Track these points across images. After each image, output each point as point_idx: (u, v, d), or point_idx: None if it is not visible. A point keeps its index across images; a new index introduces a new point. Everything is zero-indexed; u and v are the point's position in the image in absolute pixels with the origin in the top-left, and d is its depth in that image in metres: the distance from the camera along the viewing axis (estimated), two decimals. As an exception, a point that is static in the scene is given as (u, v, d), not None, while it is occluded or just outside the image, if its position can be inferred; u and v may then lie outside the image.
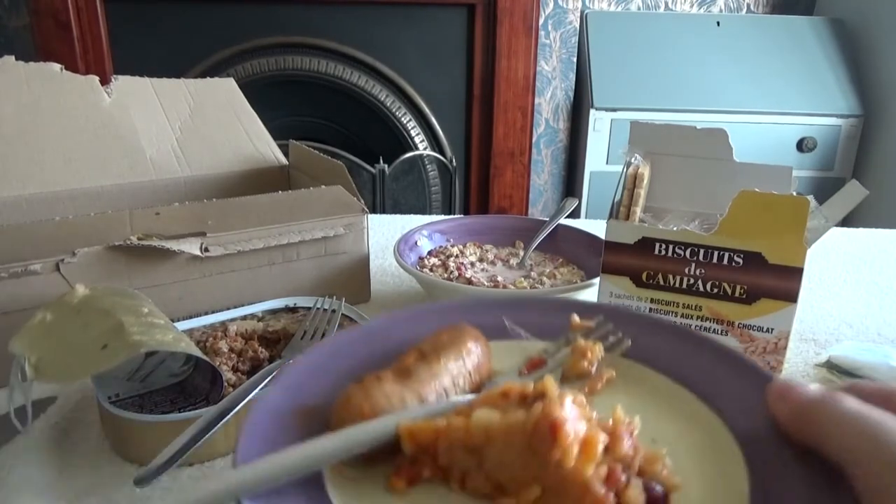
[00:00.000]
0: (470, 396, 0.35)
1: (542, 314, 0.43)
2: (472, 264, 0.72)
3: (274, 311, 0.59)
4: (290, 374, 0.37)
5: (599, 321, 0.42)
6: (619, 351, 0.40)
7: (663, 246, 0.52)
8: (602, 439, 0.29)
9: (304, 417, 0.34)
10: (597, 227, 0.72)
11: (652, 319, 0.43)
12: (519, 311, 0.44)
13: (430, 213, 2.06)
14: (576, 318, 0.41)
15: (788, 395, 0.30)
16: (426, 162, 2.13)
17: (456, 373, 0.36)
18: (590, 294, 0.59)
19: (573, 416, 0.29)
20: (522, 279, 0.68)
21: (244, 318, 0.58)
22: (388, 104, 2.08)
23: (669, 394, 0.38)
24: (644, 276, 0.53)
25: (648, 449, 0.32)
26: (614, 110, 1.99)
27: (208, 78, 0.84)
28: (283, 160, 0.82)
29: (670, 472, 0.31)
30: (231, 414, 0.42)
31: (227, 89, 0.84)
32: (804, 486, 0.29)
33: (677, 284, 0.52)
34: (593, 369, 0.38)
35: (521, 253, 0.75)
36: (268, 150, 0.81)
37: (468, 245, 0.76)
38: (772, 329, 0.51)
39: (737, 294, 0.51)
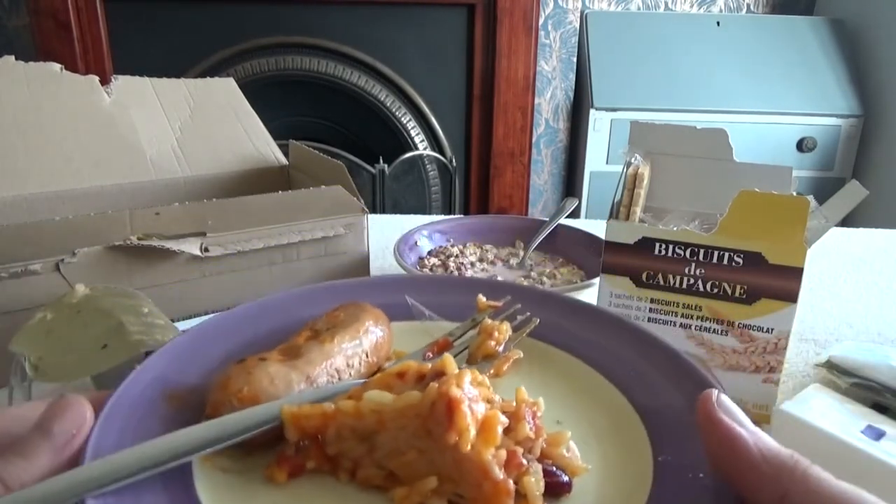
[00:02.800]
0: (363, 380, 0.32)
1: (447, 294, 0.41)
2: (472, 264, 0.72)
3: (274, 311, 0.59)
4: (165, 353, 0.32)
5: (507, 301, 0.40)
6: (527, 330, 0.38)
7: (663, 246, 0.51)
8: (502, 421, 0.27)
9: (176, 403, 0.30)
10: (597, 227, 0.72)
11: (559, 298, 0.41)
12: (423, 290, 0.41)
13: (430, 213, 2.06)
14: (482, 298, 0.40)
15: (731, 434, 0.25)
16: (426, 162, 2.13)
17: (350, 353, 0.33)
18: (590, 294, 0.59)
19: (472, 395, 0.27)
20: (522, 279, 0.68)
21: (244, 318, 0.58)
22: (388, 104, 2.08)
23: (575, 373, 0.36)
24: (644, 276, 0.53)
25: (551, 431, 0.29)
26: (614, 110, 1.99)
27: (208, 78, 0.84)
28: (283, 160, 0.81)
29: (574, 455, 0.29)
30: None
31: (227, 89, 0.84)
32: (707, 461, 0.27)
33: (677, 284, 0.52)
34: (500, 349, 0.36)
35: (521, 253, 0.75)
36: (268, 150, 0.81)
37: (468, 245, 0.76)
38: (772, 329, 0.50)
39: (737, 294, 0.51)
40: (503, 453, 0.26)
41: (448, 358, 0.29)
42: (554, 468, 0.28)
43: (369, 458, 0.28)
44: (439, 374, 0.28)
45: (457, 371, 0.28)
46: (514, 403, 0.29)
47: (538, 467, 0.27)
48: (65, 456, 0.26)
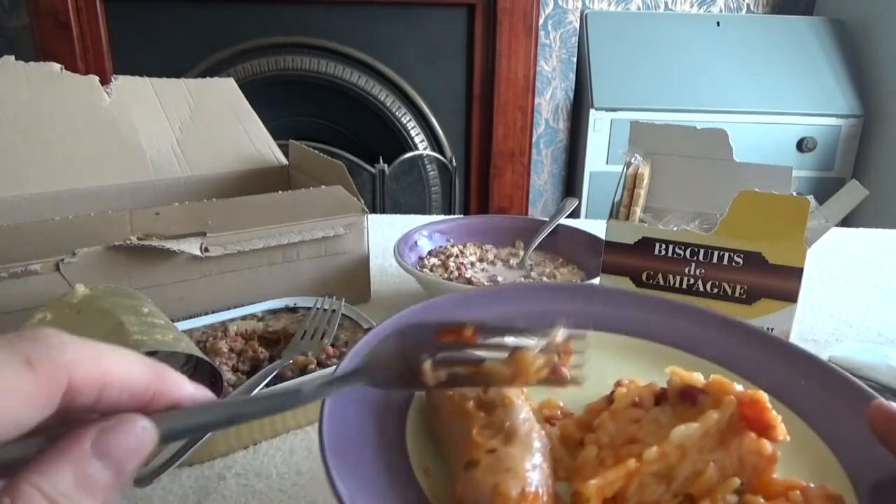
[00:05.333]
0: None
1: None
2: (472, 264, 0.72)
3: (274, 311, 0.59)
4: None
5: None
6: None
7: (663, 246, 0.51)
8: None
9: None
10: (597, 227, 0.72)
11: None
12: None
13: (430, 213, 2.06)
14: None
15: None
16: (426, 162, 2.12)
17: (523, 398, 0.33)
18: (590, 294, 0.59)
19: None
20: (522, 279, 0.68)
21: (244, 318, 0.58)
22: (388, 104, 2.08)
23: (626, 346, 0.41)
24: (644, 276, 0.53)
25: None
26: (614, 110, 1.99)
27: (208, 78, 0.84)
28: (283, 160, 0.81)
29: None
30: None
31: (227, 89, 0.84)
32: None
33: (677, 284, 0.52)
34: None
35: (521, 253, 0.75)
36: (268, 150, 0.81)
37: (468, 245, 0.76)
38: (772, 329, 0.50)
39: (737, 294, 0.51)
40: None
41: (679, 370, 0.31)
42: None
43: (666, 492, 0.29)
44: (687, 389, 0.30)
45: (708, 379, 0.30)
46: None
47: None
48: (124, 482, 0.24)
